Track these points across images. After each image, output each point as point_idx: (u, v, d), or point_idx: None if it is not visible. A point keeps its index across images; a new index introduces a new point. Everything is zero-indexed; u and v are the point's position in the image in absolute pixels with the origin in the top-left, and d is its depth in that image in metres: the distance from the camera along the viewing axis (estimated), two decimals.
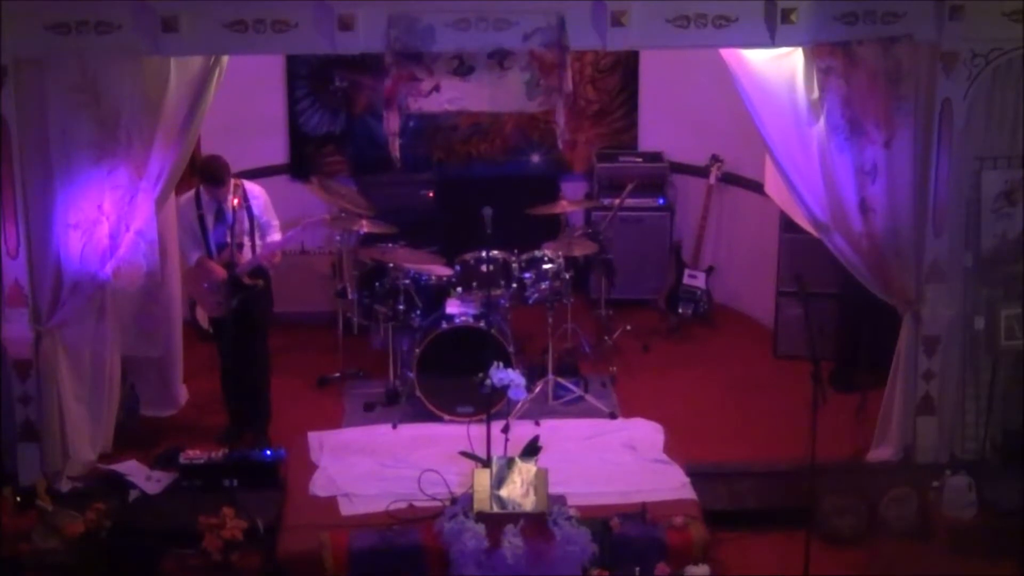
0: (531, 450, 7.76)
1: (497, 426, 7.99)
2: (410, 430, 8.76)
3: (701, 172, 10.57)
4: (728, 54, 8.13)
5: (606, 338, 9.89)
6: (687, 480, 8.11)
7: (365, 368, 9.64)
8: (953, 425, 8.41)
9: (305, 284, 10.31)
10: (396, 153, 8.22)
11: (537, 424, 8.74)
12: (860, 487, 8.00)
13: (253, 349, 8.62)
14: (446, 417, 8.82)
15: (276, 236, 8.59)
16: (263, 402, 8.76)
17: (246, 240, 8.50)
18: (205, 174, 8.35)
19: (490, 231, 8.30)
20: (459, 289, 9.10)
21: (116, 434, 8.63)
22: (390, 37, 7.78)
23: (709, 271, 10.48)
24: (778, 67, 8.08)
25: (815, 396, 7.09)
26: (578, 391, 9.16)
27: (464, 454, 7.88)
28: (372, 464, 8.31)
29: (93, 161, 7.88)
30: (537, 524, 7.44)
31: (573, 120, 10.37)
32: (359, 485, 8.05)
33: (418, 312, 9.14)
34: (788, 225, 9.38)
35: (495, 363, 7.77)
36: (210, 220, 8.47)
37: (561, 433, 8.64)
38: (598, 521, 7.56)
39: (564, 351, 9.63)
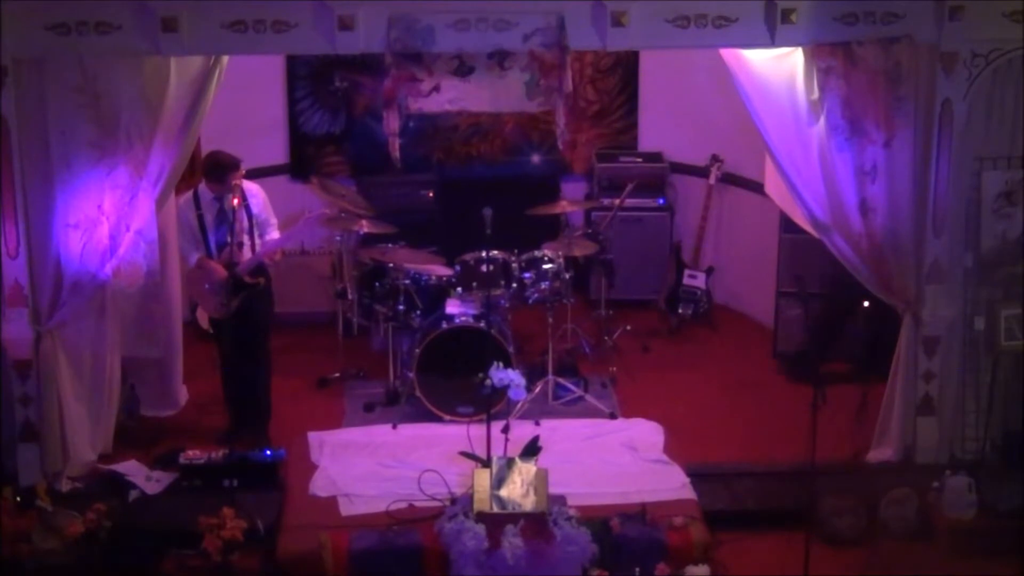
0: (531, 450, 7.76)
1: (497, 426, 7.99)
2: (410, 430, 8.76)
3: (701, 172, 10.57)
4: (728, 54, 8.14)
5: (606, 338, 9.89)
6: (687, 481, 8.11)
7: (365, 368, 9.64)
8: (953, 425, 8.41)
9: (305, 284, 10.32)
10: (396, 153, 8.22)
11: (537, 424, 8.74)
12: (860, 488, 8.00)
13: (254, 349, 8.62)
14: (446, 417, 8.82)
15: (275, 234, 8.59)
16: (263, 402, 8.76)
17: (246, 239, 8.50)
18: (211, 169, 8.33)
19: (490, 231, 8.30)
20: (459, 289, 9.10)
21: (116, 434, 8.63)
22: (390, 37, 7.78)
23: (709, 271, 10.48)
24: (778, 67, 8.08)
25: (815, 396, 7.09)
26: (578, 391, 9.16)
27: (464, 454, 7.88)
28: (372, 464, 8.31)
29: (93, 161, 7.88)
30: (537, 524, 7.44)
31: (573, 120, 10.36)
32: (359, 485, 8.05)
33: (418, 312, 9.15)
34: (788, 225, 9.38)
35: (495, 363, 7.76)
36: (210, 220, 8.47)
37: (561, 433, 8.65)
38: (598, 521, 7.56)
39: (564, 351, 9.63)
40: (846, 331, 9.43)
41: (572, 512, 7.58)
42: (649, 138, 11.03)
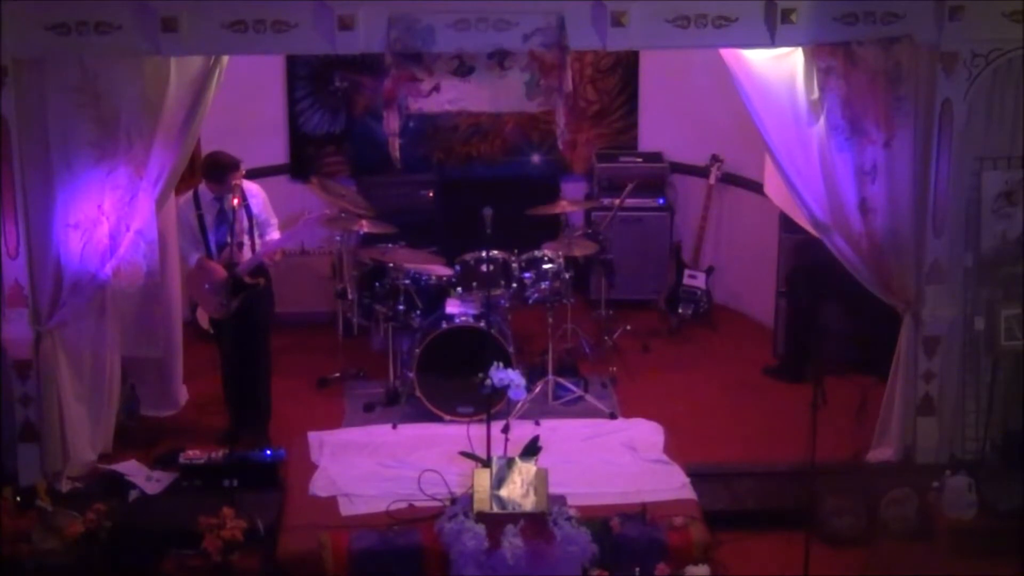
0: (531, 450, 7.76)
1: (497, 426, 7.99)
2: (410, 430, 8.76)
3: (701, 172, 10.57)
4: (728, 54, 8.14)
5: (606, 338, 9.89)
6: (687, 481, 8.11)
7: (365, 368, 9.64)
8: (953, 425, 8.41)
9: (305, 285, 10.32)
10: (396, 153, 8.22)
11: (537, 424, 8.74)
12: (860, 488, 8.00)
13: (254, 349, 8.62)
14: (446, 417, 8.82)
15: (275, 234, 8.60)
16: (263, 402, 8.76)
17: (246, 239, 8.50)
18: (211, 169, 8.34)
19: (490, 231, 8.30)
20: (459, 289, 9.10)
21: (116, 434, 8.63)
22: (390, 37, 7.78)
23: (709, 271, 10.48)
24: (778, 67, 8.08)
25: (815, 396, 7.09)
26: (578, 391, 9.15)
27: (464, 454, 7.88)
28: (372, 464, 8.31)
29: (93, 161, 7.88)
30: (537, 524, 7.44)
31: (573, 120, 10.36)
32: (359, 485, 8.05)
33: (418, 312, 9.14)
34: (788, 225, 9.39)
35: (495, 363, 7.76)
36: (210, 220, 8.48)
37: (561, 433, 8.65)
38: (598, 521, 7.56)
39: (564, 351, 9.63)
40: (825, 327, 9.50)
41: (572, 512, 7.58)
42: (649, 138, 11.02)
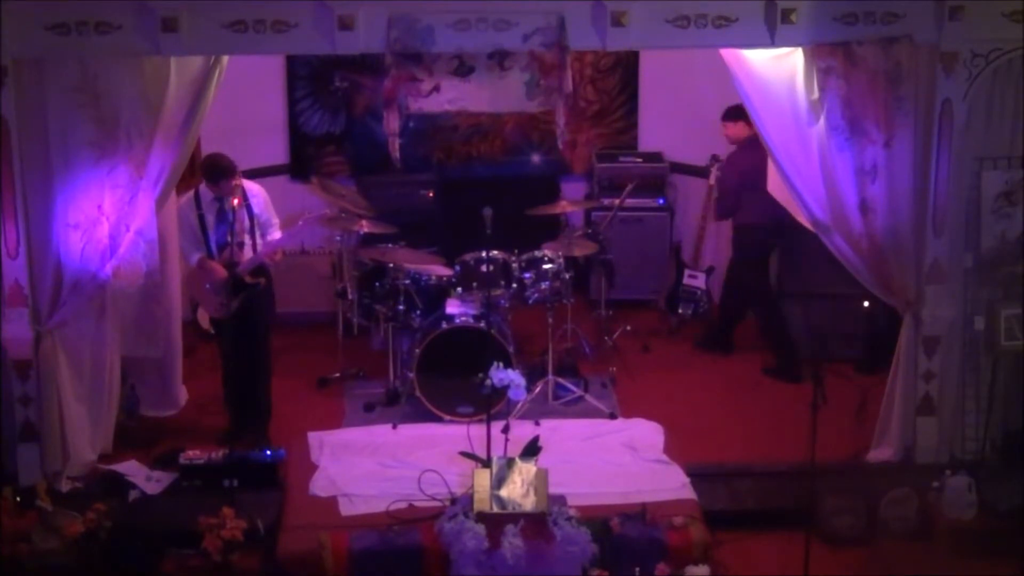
0: (531, 450, 7.75)
1: (497, 426, 7.98)
2: (410, 430, 8.76)
3: (701, 172, 10.56)
4: (728, 54, 8.14)
5: (606, 338, 9.89)
6: (687, 480, 8.11)
7: (365, 368, 9.64)
8: (953, 425, 8.41)
9: (305, 284, 10.33)
10: (396, 153, 8.22)
11: (537, 424, 8.74)
12: (860, 487, 8.00)
13: (254, 349, 8.62)
14: (446, 417, 8.82)
15: (276, 234, 8.60)
16: (263, 402, 8.76)
17: (247, 239, 8.51)
18: (208, 171, 8.35)
19: (490, 231, 8.30)
20: (459, 289, 9.09)
21: (116, 434, 8.63)
22: (390, 37, 7.78)
23: (709, 271, 10.47)
24: (778, 67, 8.08)
25: (815, 396, 7.09)
26: (578, 391, 9.16)
27: (464, 454, 7.87)
28: (372, 464, 8.31)
29: (93, 161, 7.88)
30: (537, 524, 7.43)
31: (573, 120, 10.37)
32: (359, 485, 8.05)
33: (418, 312, 9.15)
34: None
35: (495, 363, 7.76)
36: (210, 220, 8.48)
37: (561, 433, 8.65)
38: (598, 521, 7.55)
39: (564, 351, 9.63)
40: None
41: (572, 512, 7.58)
42: (649, 138, 11.02)
